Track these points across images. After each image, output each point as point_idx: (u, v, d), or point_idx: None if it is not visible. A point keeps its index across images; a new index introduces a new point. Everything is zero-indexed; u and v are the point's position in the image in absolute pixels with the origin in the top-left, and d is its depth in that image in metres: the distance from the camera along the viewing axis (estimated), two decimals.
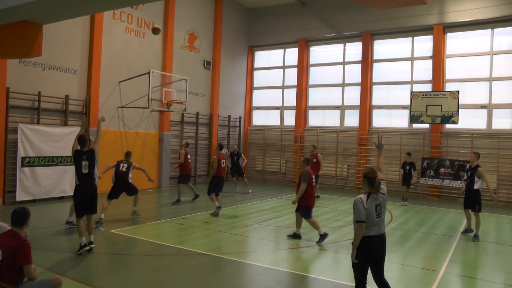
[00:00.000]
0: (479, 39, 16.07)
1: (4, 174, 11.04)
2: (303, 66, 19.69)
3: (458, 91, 14.68)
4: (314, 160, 14.00)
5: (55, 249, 7.21)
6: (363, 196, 4.50)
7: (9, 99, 11.13)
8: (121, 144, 14.52)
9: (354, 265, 4.55)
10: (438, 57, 16.32)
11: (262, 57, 21.69)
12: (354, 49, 18.82)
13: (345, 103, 18.87)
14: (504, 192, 14.92)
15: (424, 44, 17.14)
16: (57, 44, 12.40)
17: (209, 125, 18.75)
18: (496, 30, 15.67)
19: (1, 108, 10.89)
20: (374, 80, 18.16)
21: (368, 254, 4.46)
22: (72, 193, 7.94)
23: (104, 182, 9.68)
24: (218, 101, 19.13)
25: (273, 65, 21.27)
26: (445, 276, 6.45)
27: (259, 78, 21.72)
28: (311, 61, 20.01)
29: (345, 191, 17.34)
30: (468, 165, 9.66)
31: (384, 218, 4.64)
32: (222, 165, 11.07)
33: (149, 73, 14.33)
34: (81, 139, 7.14)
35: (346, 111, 18.86)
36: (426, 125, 16.38)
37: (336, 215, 11.68)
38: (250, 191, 15.43)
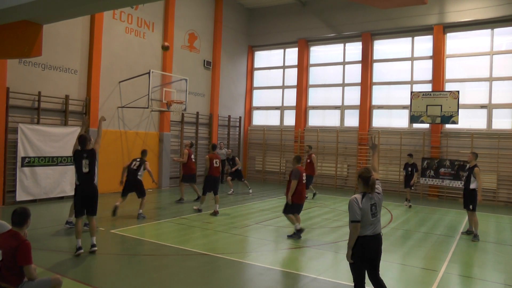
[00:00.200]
0: (479, 39, 16.06)
1: (4, 174, 11.05)
2: (303, 66, 19.68)
3: (458, 91, 14.67)
4: (308, 161, 13.93)
5: (55, 249, 7.21)
6: (358, 196, 4.50)
7: (9, 99, 11.13)
8: (121, 144, 14.53)
9: (351, 265, 4.57)
10: (438, 57, 16.31)
11: (262, 57, 21.68)
12: (354, 49, 18.81)
13: (345, 103, 18.86)
14: (504, 192, 14.91)
15: (424, 44, 17.13)
16: (57, 44, 12.40)
17: (209, 125, 18.75)
18: (496, 30, 15.66)
19: (1, 108, 10.89)
20: (374, 80, 18.15)
21: (364, 254, 4.47)
22: (72, 193, 7.96)
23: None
24: (218, 101, 19.12)
25: (273, 65, 21.26)
26: (445, 276, 6.45)
27: (259, 78, 21.72)
28: (311, 61, 20.00)
29: (345, 191, 17.34)
30: (467, 165, 9.70)
31: (380, 217, 4.65)
32: (215, 165, 11.06)
33: (149, 73, 14.33)
34: (81, 139, 7.13)
35: (346, 111, 18.85)
36: (426, 125, 16.37)
37: (336, 215, 11.68)
38: (250, 191, 15.42)
